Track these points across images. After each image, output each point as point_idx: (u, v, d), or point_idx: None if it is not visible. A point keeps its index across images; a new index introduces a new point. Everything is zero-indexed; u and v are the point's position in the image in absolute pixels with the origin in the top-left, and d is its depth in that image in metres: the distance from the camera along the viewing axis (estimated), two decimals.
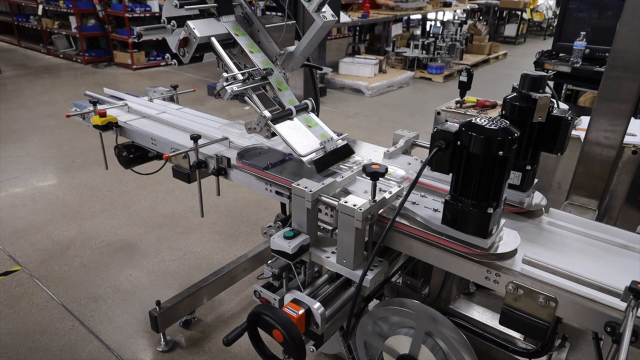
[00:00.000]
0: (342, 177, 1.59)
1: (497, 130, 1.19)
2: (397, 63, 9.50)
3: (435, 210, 1.42)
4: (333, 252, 1.45)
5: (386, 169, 1.36)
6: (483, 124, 1.22)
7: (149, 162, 2.43)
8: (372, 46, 10.50)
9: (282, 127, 1.66)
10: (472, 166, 1.24)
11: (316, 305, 1.36)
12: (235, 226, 3.70)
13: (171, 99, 2.77)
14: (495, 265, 1.28)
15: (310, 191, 1.40)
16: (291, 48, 1.82)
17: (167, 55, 1.87)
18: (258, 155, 1.84)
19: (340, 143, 1.75)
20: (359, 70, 8.23)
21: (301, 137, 1.66)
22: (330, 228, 1.52)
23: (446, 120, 1.32)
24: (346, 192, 1.58)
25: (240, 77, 1.67)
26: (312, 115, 1.80)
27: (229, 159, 1.87)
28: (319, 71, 2.18)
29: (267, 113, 1.64)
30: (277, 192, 1.71)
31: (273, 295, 1.54)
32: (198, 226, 3.68)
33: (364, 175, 1.63)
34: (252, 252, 2.91)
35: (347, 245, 1.38)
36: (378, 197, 1.37)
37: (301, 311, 1.33)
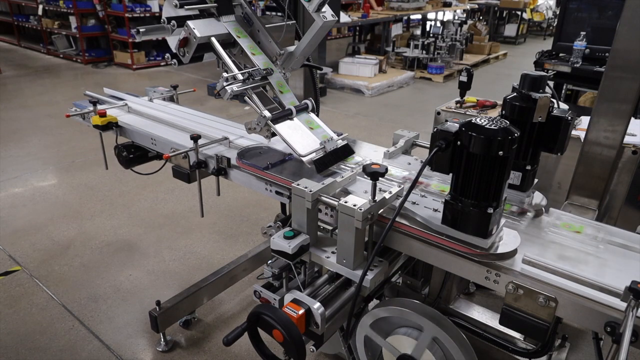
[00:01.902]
0: (342, 177, 1.59)
1: (497, 130, 1.19)
2: (397, 63, 9.50)
3: (435, 210, 1.42)
4: (333, 252, 1.45)
5: (386, 169, 1.36)
6: (483, 124, 1.22)
7: (149, 162, 2.43)
8: (372, 46, 10.51)
9: (282, 127, 1.66)
10: (472, 166, 1.23)
11: (316, 305, 1.36)
12: (235, 226, 3.70)
13: (171, 99, 2.77)
14: (495, 265, 1.28)
15: (310, 191, 1.40)
16: (291, 48, 1.82)
17: (167, 55, 1.86)
18: (258, 155, 1.84)
19: (341, 143, 1.74)
20: (359, 70, 8.23)
21: (301, 137, 1.66)
22: (330, 228, 1.51)
23: (446, 120, 1.32)
24: (346, 192, 1.58)
25: (240, 77, 1.67)
26: (312, 115, 1.80)
27: (229, 159, 1.87)
28: (318, 71, 2.17)
29: (267, 113, 1.64)
30: (277, 192, 1.71)
31: (273, 295, 1.54)
32: (198, 226, 3.68)
33: (364, 175, 1.63)
34: (252, 252, 2.91)
35: (347, 245, 1.38)
36: (378, 197, 1.37)
37: (301, 311, 1.34)
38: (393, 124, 6.25)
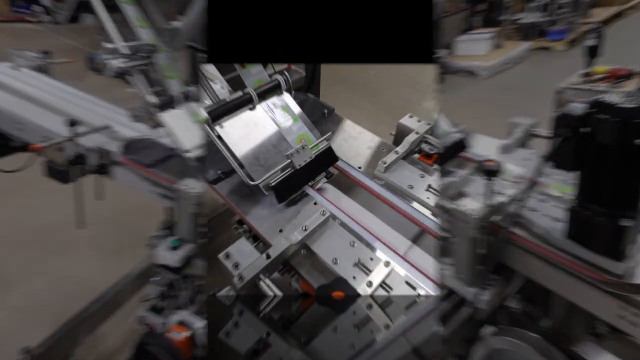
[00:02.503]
0: (460, 176, 1.76)
1: (636, 109, 1.18)
2: (514, 33, 9.82)
3: (556, 220, 1.45)
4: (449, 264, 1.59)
5: (501, 167, 1.48)
6: (617, 102, 1.20)
7: (11, 155, 2.45)
8: (488, 17, 10.74)
9: (167, 117, 1.84)
10: (603, 161, 1.24)
11: (200, 324, 1.55)
12: (119, 238, 3.74)
13: (40, 69, 2.79)
14: (634, 301, 1.25)
15: (196, 192, 1.58)
16: (178, 23, 1.96)
17: (35, 7, 2.00)
18: (144, 149, 1.96)
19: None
20: (471, 48, 8.75)
21: (187, 129, 1.83)
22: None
23: (571, 101, 1.34)
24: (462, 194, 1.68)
25: (125, 51, 1.83)
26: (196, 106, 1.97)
27: (111, 153, 1.96)
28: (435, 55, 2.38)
29: (153, 98, 1.82)
30: (160, 195, 1.83)
31: (158, 319, 1.72)
32: (76, 241, 3.68)
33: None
34: (137, 269, 2.97)
35: (460, 257, 1.51)
36: (493, 201, 1.47)
37: (187, 333, 1.54)
38: (509, 110, 6.33)
